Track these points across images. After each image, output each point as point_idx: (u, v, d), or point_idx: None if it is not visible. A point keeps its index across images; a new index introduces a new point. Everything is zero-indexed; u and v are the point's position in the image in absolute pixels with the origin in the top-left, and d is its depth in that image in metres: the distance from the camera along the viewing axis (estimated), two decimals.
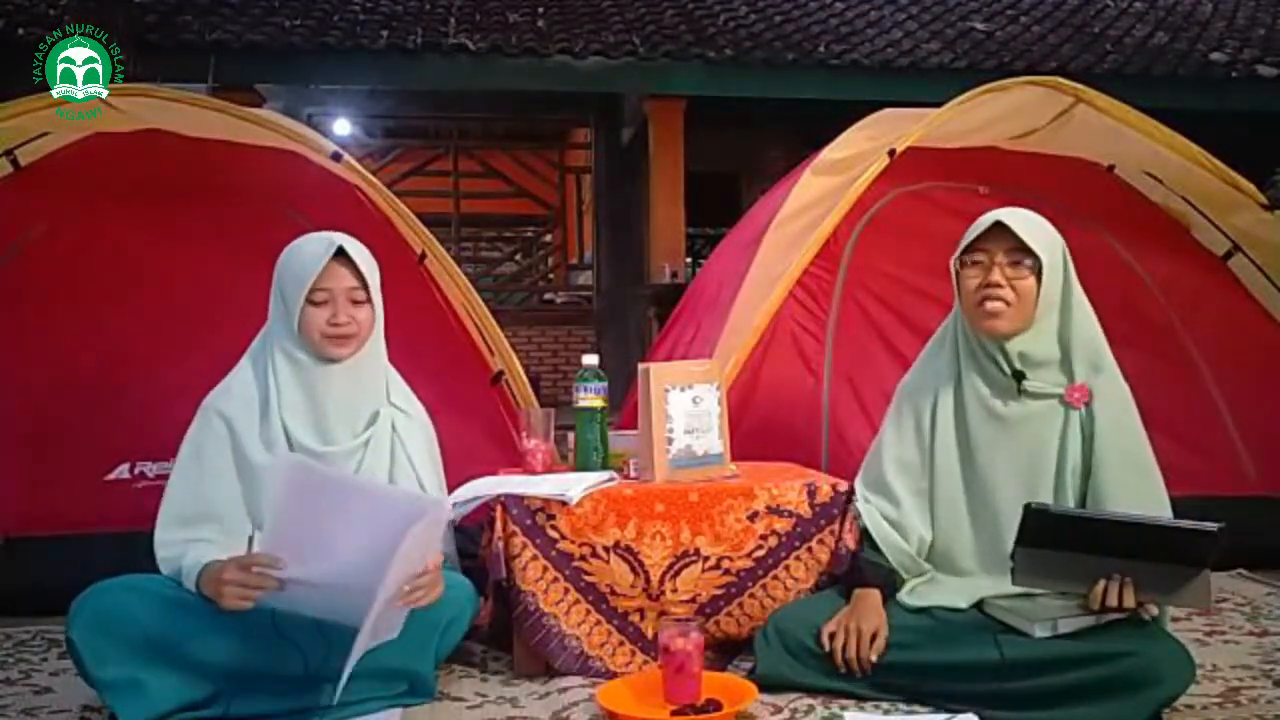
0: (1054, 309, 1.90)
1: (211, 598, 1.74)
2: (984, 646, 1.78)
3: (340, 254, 1.92)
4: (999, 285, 1.86)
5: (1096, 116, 3.08)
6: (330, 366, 1.95)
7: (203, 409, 1.96)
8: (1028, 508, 1.71)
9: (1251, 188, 3.15)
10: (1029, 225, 1.89)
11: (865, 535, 2.04)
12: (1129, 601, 1.68)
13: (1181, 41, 8.60)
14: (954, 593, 1.92)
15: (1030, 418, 1.91)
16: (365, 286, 1.94)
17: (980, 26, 8.64)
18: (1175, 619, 2.37)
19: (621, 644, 2.10)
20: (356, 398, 1.99)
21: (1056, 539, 1.70)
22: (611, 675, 2.04)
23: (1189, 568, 1.64)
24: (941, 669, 1.82)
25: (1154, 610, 1.72)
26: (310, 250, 1.94)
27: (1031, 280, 1.86)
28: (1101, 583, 1.69)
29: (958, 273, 1.94)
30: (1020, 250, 1.86)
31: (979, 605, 1.90)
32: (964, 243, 1.93)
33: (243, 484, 1.91)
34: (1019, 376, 1.90)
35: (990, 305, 1.87)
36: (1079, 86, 3.04)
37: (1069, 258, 1.93)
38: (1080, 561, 1.69)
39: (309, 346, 1.94)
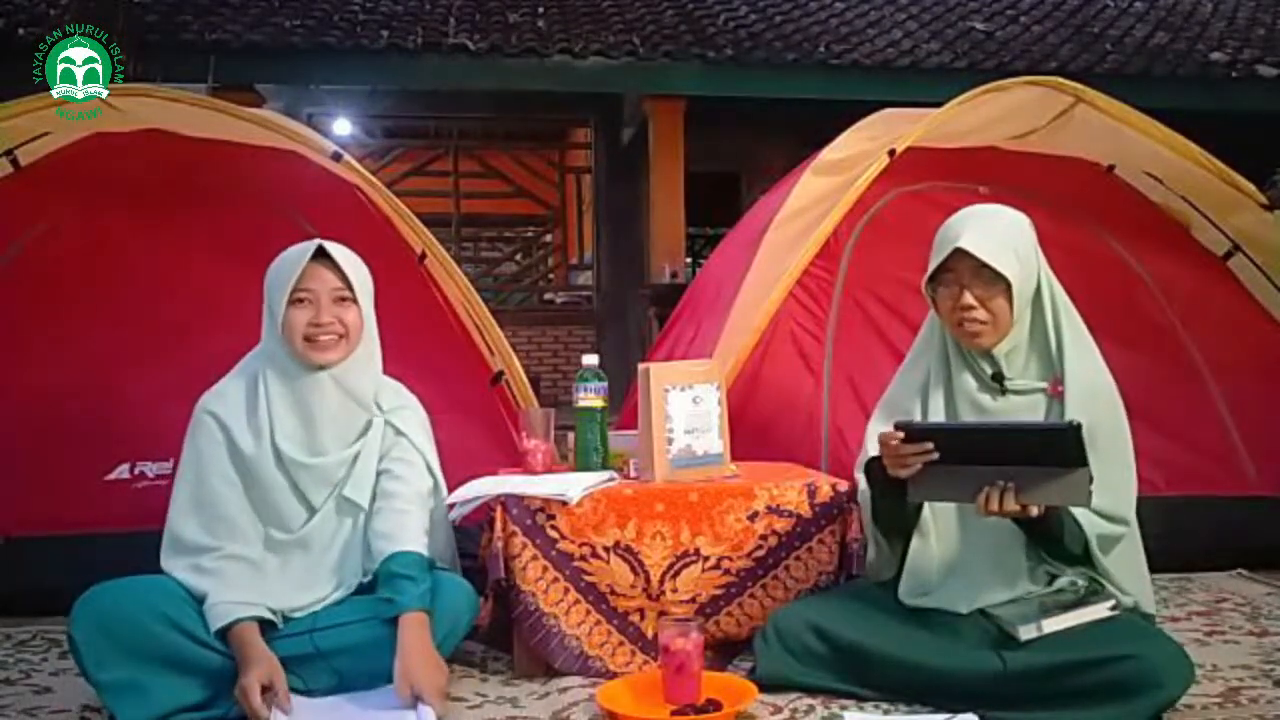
0: (1029, 304, 1.90)
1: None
2: (986, 657, 1.78)
3: (323, 255, 1.92)
4: (973, 307, 1.87)
5: (1096, 116, 3.08)
6: (319, 376, 1.94)
7: (197, 411, 1.97)
8: (896, 425, 1.78)
9: (1251, 188, 3.15)
10: (990, 245, 1.85)
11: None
12: (1010, 505, 1.71)
13: (1181, 41, 8.60)
14: (955, 597, 1.91)
15: (1015, 410, 1.91)
16: (349, 286, 1.93)
17: (980, 26, 8.65)
18: (1175, 619, 2.38)
19: (621, 644, 2.10)
20: (348, 408, 1.98)
21: (940, 454, 1.75)
22: (611, 675, 2.03)
23: (1061, 468, 1.68)
24: (942, 676, 1.81)
25: (1034, 511, 1.72)
26: (292, 254, 1.94)
27: (1003, 297, 1.86)
28: (984, 490, 1.72)
29: (931, 296, 1.94)
30: (987, 268, 1.85)
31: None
32: (931, 267, 1.92)
33: (242, 481, 1.92)
34: (999, 379, 1.91)
35: (968, 327, 1.88)
36: (1079, 86, 3.04)
37: (1038, 249, 1.92)
38: (964, 473, 1.75)
39: (295, 355, 1.92)
